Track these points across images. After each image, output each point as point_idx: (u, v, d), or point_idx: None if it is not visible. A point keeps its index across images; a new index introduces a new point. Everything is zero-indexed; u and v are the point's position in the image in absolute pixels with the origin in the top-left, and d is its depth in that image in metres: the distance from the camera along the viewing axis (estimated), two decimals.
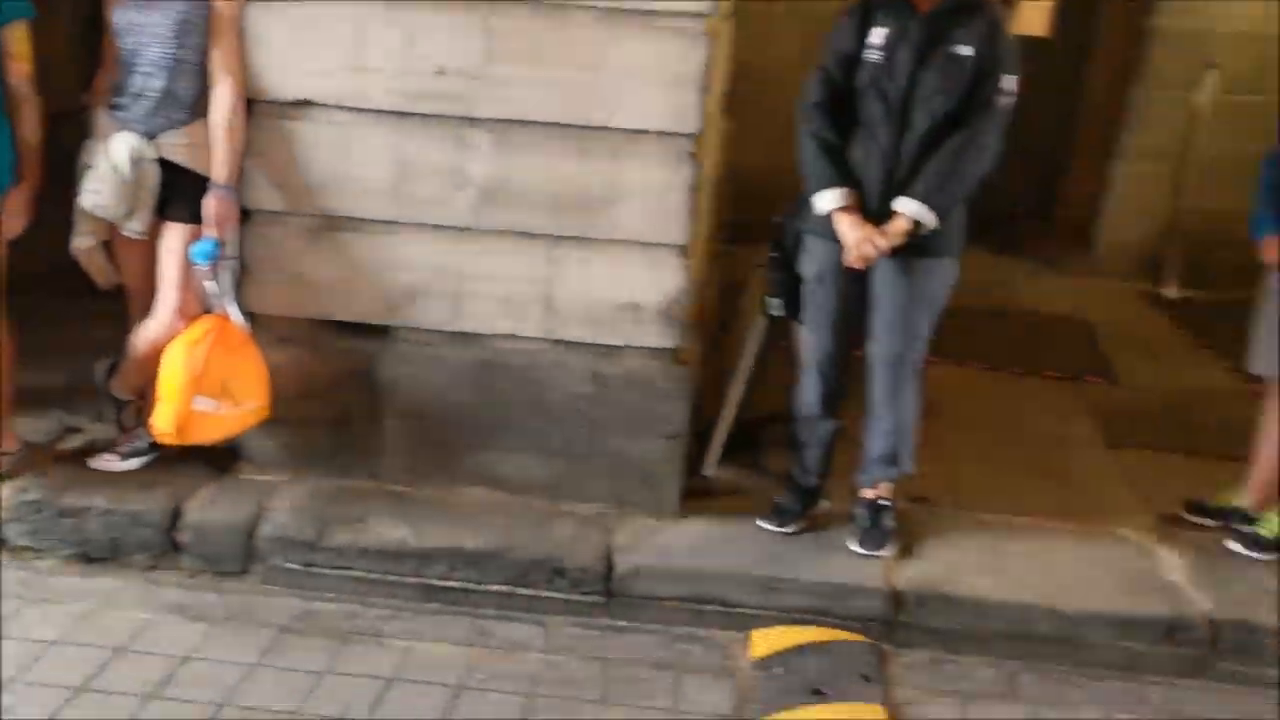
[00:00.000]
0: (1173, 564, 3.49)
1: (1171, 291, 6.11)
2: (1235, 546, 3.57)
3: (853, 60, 3.11)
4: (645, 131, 3.20)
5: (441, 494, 3.51)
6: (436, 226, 3.36)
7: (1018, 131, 7.09)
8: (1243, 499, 3.67)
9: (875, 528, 3.43)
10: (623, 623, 3.26)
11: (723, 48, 3.56)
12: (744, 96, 4.69)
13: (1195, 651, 3.21)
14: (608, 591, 3.27)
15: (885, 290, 3.22)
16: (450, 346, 3.46)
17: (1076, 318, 5.70)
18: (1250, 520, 3.61)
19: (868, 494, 3.47)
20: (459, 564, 3.28)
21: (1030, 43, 7.14)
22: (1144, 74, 6.12)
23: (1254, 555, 3.53)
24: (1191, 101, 5.89)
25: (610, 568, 3.28)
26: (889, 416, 3.36)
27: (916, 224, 3.07)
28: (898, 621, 3.25)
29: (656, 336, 3.39)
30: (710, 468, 3.70)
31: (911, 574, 3.33)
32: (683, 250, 3.31)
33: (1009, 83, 3.07)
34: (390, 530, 3.34)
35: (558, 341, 3.42)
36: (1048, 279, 6.33)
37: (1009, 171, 6.75)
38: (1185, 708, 3.09)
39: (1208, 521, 3.68)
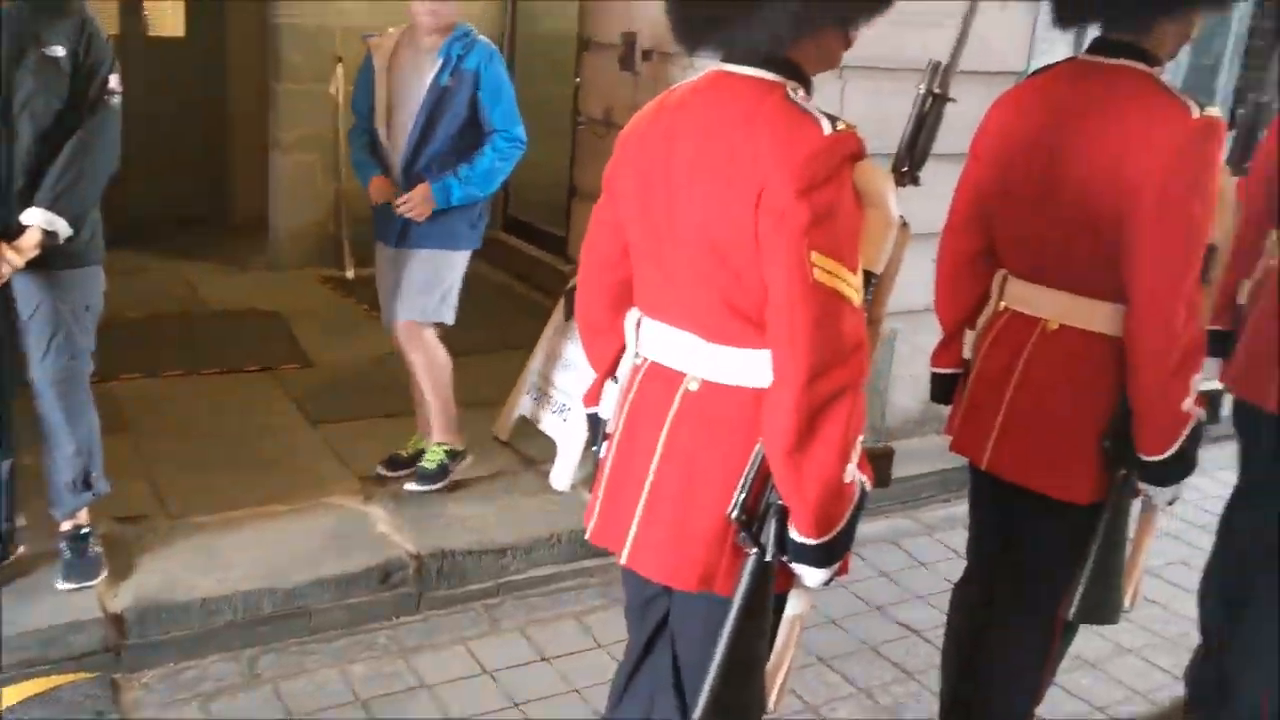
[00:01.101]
0: (379, 517, 3.79)
1: (349, 272, 6.39)
2: (412, 486, 3.96)
3: None
4: None
5: None
6: None
7: (177, 136, 7.04)
8: (422, 443, 4.10)
9: (80, 558, 3.25)
10: None
11: None
12: None
13: (409, 589, 3.54)
14: None
15: (30, 308, 3.04)
16: None
17: (265, 310, 5.83)
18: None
19: (66, 525, 3.28)
20: None
21: (169, 44, 7.12)
22: (278, 69, 6.33)
23: (428, 488, 3.94)
24: (326, 93, 6.21)
25: None
26: (70, 440, 3.18)
27: (50, 234, 2.94)
28: (126, 645, 3.14)
29: None
30: None
31: (129, 595, 3.23)
32: None
33: (115, 81, 3.04)
34: None
35: None
36: (231, 277, 6.40)
37: (176, 177, 6.75)
38: (408, 641, 3.40)
39: (402, 472, 4.05)
